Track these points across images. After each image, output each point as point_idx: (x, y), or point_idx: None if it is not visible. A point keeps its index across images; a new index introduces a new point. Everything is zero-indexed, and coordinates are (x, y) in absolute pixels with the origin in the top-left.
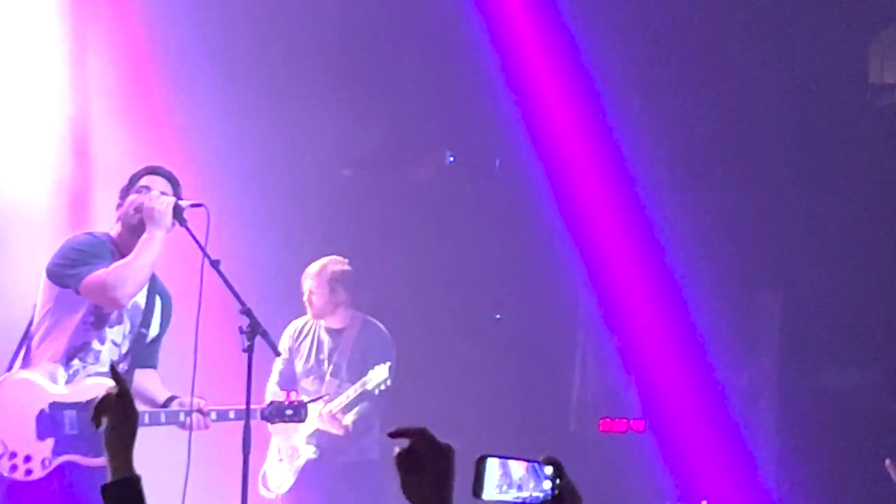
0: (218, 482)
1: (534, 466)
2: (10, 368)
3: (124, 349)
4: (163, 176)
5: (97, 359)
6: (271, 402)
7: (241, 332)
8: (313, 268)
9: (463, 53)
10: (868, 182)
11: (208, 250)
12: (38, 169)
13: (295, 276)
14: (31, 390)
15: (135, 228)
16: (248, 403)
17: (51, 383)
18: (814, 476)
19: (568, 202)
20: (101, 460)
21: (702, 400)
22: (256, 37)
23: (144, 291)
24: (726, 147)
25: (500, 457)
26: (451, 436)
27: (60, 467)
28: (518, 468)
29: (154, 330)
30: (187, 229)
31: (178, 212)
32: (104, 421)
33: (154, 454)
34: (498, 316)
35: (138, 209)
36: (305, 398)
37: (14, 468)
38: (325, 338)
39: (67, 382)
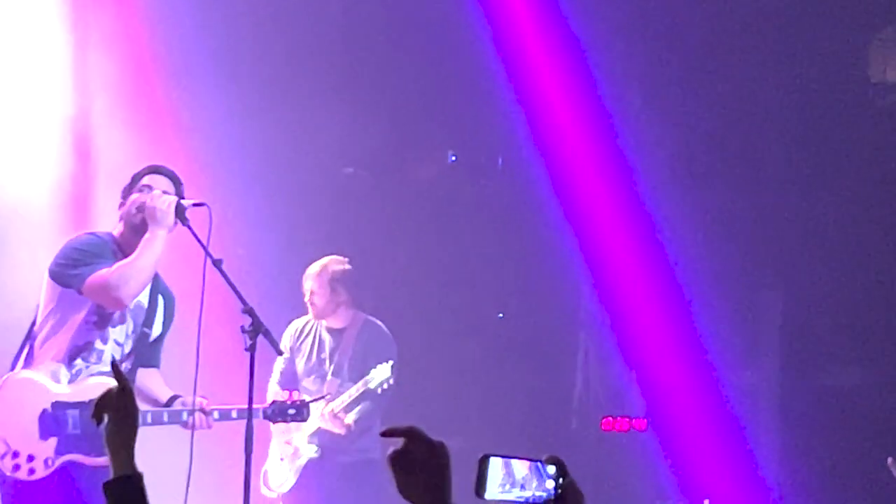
0: (220, 481)
1: (537, 466)
2: (12, 368)
3: (127, 349)
4: (165, 175)
5: (100, 358)
6: (274, 402)
7: (243, 331)
8: (314, 268)
9: (464, 53)
10: (869, 181)
11: (210, 249)
12: (39, 168)
13: (297, 275)
14: (33, 390)
15: (137, 228)
16: (250, 403)
17: (53, 383)
18: (815, 475)
19: (570, 201)
20: (104, 460)
21: (703, 399)
22: (259, 36)
23: (147, 291)
24: (728, 147)
25: (502, 456)
26: (453, 435)
27: (63, 467)
28: (521, 467)
29: (157, 329)
30: (189, 228)
31: (180, 211)
32: (105, 418)
33: (156, 453)
34: (500, 315)
35: (140, 208)
36: (307, 398)
37: (17, 468)
38: (327, 337)
39: (70, 382)
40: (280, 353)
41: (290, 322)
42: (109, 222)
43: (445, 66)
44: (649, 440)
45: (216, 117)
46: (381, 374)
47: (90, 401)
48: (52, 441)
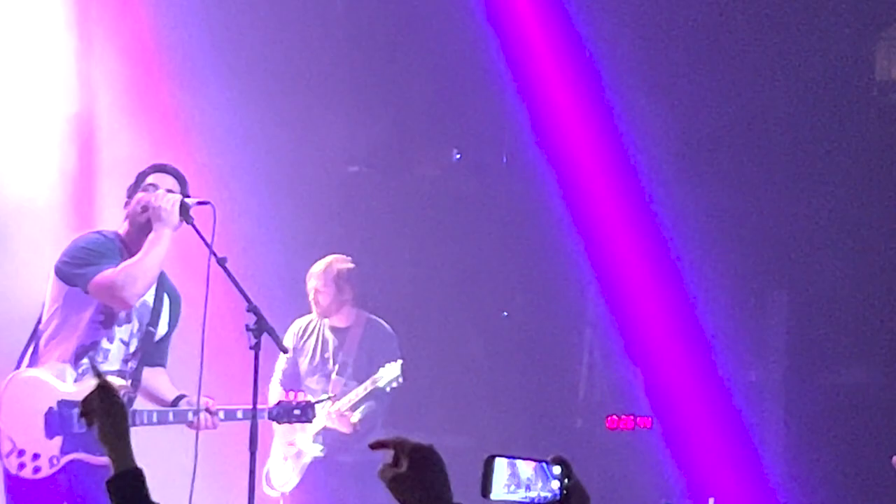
0: (224, 480)
1: (542, 466)
2: (18, 366)
3: (133, 348)
4: (170, 173)
5: (106, 357)
6: (279, 402)
7: (248, 329)
8: (318, 266)
9: (469, 50)
10: (876, 180)
11: (215, 248)
12: (43, 166)
13: (301, 274)
14: (39, 389)
15: (142, 227)
16: (254, 401)
17: (59, 382)
18: (821, 473)
19: (575, 199)
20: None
21: (709, 397)
22: (263, 34)
23: (153, 290)
24: (734, 145)
25: (508, 457)
26: (458, 434)
27: (68, 465)
28: (526, 468)
29: (162, 328)
30: (194, 227)
31: (184, 210)
32: (94, 419)
33: (162, 453)
34: (505, 313)
35: (145, 208)
36: (311, 398)
37: (22, 466)
38: (330, 336)
39: (76, 381)
40: (285, 350)
41: (294, 319)
42: (113, 220)
43: (449, 63)
44: (654, 439)
45: (221, 115)
46: (390, 372)
47: None
48: (58, 440)
